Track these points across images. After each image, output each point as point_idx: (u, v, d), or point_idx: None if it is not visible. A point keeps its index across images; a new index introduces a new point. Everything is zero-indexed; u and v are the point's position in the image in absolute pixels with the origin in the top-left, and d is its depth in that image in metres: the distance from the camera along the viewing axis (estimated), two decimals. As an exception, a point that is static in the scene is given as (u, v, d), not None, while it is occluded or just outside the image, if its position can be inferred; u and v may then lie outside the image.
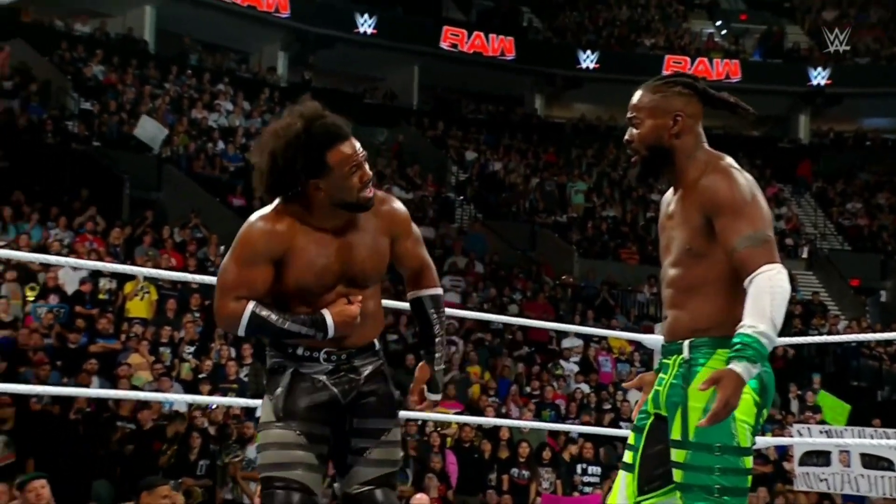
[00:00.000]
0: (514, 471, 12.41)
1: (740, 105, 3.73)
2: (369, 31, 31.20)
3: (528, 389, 15.75)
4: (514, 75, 33.14)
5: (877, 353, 22.30)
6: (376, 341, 3.83)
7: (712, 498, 3.31)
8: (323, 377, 3.64)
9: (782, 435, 12.08)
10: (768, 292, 3.24)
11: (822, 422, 14.15)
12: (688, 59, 33.14)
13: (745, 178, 3.44)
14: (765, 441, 8.24)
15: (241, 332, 3.62)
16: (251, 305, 3.54)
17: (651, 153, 3.52)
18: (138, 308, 15.14)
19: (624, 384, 4.36)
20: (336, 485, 3.75)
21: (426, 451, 12.09)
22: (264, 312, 3.54)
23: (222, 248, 16.95)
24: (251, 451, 11.61)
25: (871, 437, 7.71)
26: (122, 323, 14.60)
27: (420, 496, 8.72)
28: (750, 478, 3.41)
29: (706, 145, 3.57)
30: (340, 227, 3.65)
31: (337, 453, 3.69)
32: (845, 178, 31.90)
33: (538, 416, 13.60)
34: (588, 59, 32.37)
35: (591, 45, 33.28)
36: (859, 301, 26.68)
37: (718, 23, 36.45)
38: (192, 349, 13.84)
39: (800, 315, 23.50)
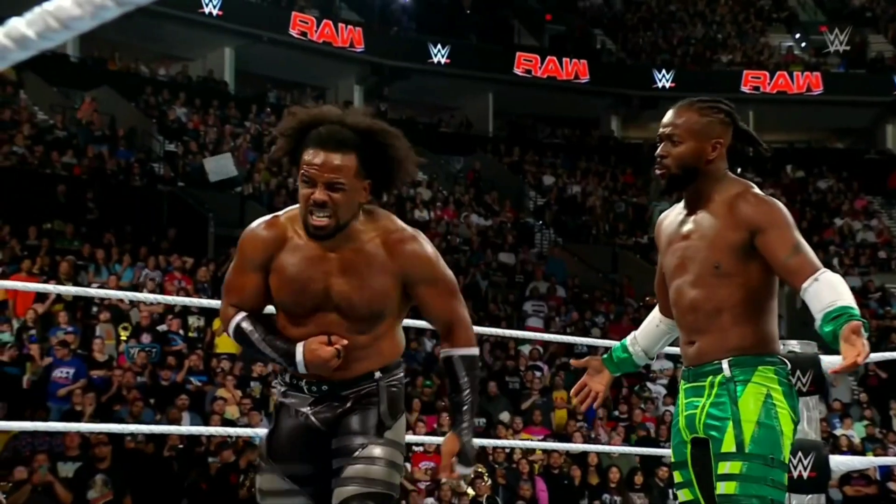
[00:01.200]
0: (606, 496, 12.37)
1: (760, 142, 3.74)
2: (443, 60, 31.35)
3: (616, 413, 15.68)
4: (589, 98, 33.08)
5: None
6: (378, 373, 3.48)
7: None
8: (306, 409, 3.42)
9: (885, 454, 11.99)
10: (844, 286, 3.32)
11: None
12: (766, 73, 33.04)
13: (781, 205, 3.50)
14: (868, 461, 8.18)
15: (231, 339, 3.52)
16: (239, 316, 3.41)
17: (682, 172, 3.54)
18: (226, 344, 14.99)
19: (573, 362, 4.28)
20: None
21: (515, 479, 12.07)
22: (248, 327, 3.38)
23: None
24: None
25: None
26: (210, 359, 14.65)
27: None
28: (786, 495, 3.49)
29: (729, 171, 3.61)
30: (336, 247, 3.35)
31: (324, 480, 3.46)
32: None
33: (627, 441, 13.50)
34: (664, 79, 32.32)
35: (666, 65, 33.23)
36: None
37: (797, 35, 35.97)
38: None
39: (894, 329, 23.23)
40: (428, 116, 31.56)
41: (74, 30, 1.06)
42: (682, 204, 3.66)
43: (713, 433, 3.41)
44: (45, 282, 13.08)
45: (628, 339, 4.00)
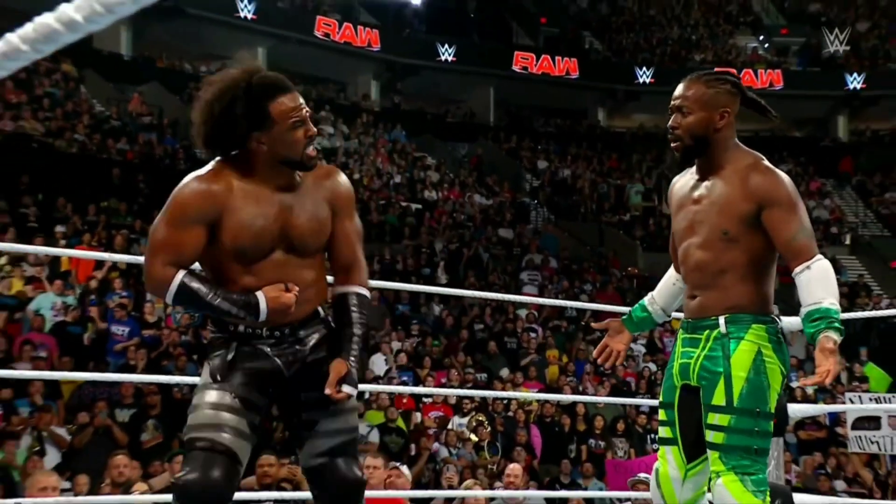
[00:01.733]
0: (592, 441, 12.37)
1: (769, 109, 3.69)
2: (449, 58, 31.35)
3: (601, 369, 15.71)
4: (579, 91, 32.99)
5: None
6: (321, 308, 3.30)
7: (749, 457, 3.30)
8: (266, 348, 3.16)
9: (834, 403, 12.00)
10: (832, 276, 3.29)
11: (869, 390, 14.16)
12: (734, 70, 32.72)
13: (789, 179, 3.45)
14: (819, 408, 8.23)
15: (168, 300, 3.15)
16: (180, 275, 3.06)
17: (695, 142, 3.46)
18: None
19: (594, 325, 4.21)
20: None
21: (513, 427, 12.08)
22: (195, 285, 3.06)
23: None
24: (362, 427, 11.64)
25: None
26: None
27: (513, 466, 8.66)
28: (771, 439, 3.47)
29: (738, 141, 3.54)
30: (282, 188, 3.16)
31: (290, 428, 3.29)
32: (883, 171, 31.46)
33: (611, 393, 13.51)
34: (644, 75, 32.25)
35: (646, 62, 33.19)
36: None
37: (761, 37, 35.97)
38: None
39: (846, 295, 23.49)
40: (436, 108, 31.53)
41: (117, 14, 1.04)
42: (693, 169, 3.59)
43: (705, 384, 3.37)
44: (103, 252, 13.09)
45: (646, 300, 3.89)
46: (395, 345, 14.65)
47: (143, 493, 7.04)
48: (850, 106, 33.62)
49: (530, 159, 29.94)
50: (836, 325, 3.19)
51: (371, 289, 3.48)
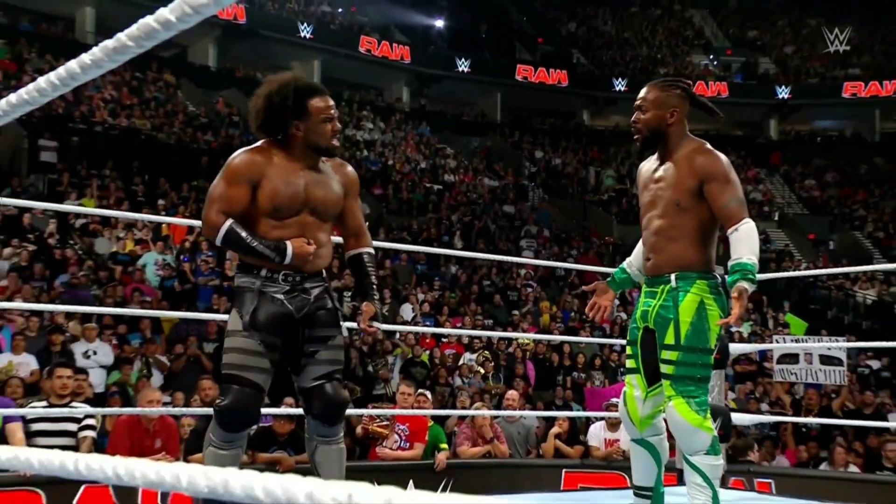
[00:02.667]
0: (574, 374, 12.36)
1: (715, 110, 3.76)
2: (465, 70, 31.18)
3: (583, 318, 15.72)
4: (568, 97, 32.78)
5: (827, 285, 22.21)
6: (324, 270, 3.36)
7: (693, 384, 3.31)
8: (281, 296, 3.17)
9: (762, 343, 12.00)
10: (754, 236, 3.30)
11: (790, 334, 14.24)
12: (690, 82, 32.82)
13: (726, 158, 3.47)
14: (751, 347, 8.26)
15: (218, 241, 3.19)
16: (229, 222, 3.12)
17: (651, 134, 3.49)
18: None
19: (584, 287, 4.22)
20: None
21: (512, 361, 12.08)
22: (239, 230, 3.12)
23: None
24: (393, 362, 11.67)
25: (826, 343, 7.83)
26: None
27: (512, 392, 8.66)
28: (712, 370, 3.49)
29: (688, 133, 3.55)
30: (309, 167, 3.24)
31: (292, 357, 3.25)
32: (803, 163, 31.57)
33: (591, 336, 13.49)
34: (620, 84, 32.06)
35: (621, 74, 33.05)
36: (814, 249, 26.36)
37: (711, 56, 35.90)
38: (348, 294, 13.84)
39: (774, 260, 23.74)
40: (454, 109, 31.51)
41: (202, 14, 1.05)
42: (655, 155, 3.59)
43: (659, 327, 3.38)
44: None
45: (625, 264, 3.86)
46: (420, 296, 14.68)
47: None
48: (780, 112, 33.54)
49: (529, 150, 29.88)
50: (750, 276, 3.22)
51: (400, 251, 3.57)
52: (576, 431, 8.46)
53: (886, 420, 9.89)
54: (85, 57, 1.19)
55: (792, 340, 8.61)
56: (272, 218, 3.18)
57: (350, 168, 3.48)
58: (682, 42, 36.73)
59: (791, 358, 7.77)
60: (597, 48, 35.95)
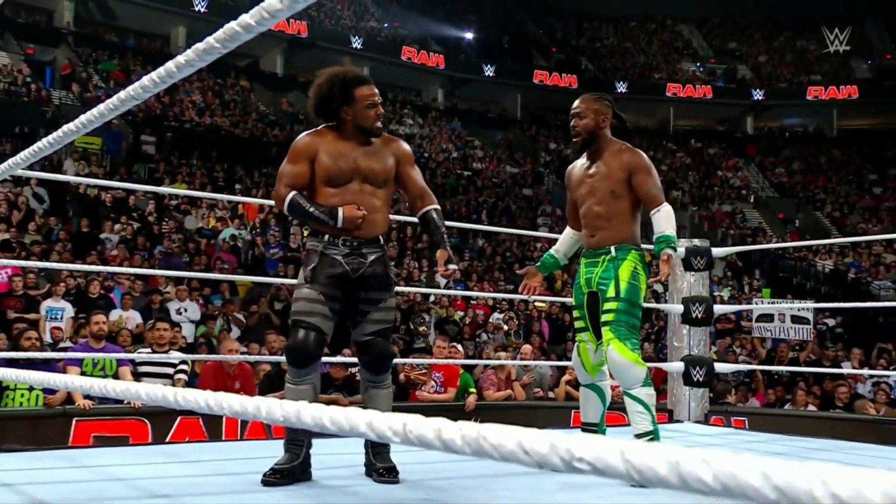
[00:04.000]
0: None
1: (625, 119, 3.78)
2: (491, 74, 30.97)
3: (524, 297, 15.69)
4: (577, 98, 32.33)
5: (793, 257, 22.09)
6: (381, 237, 3.19)
7: (628, 329, 3.34)
8: (340, 258, 3.06)
9: (739, 304, 11.95)
10: (672, 215, 3.45)
11: (762, 297, 14.21)
12: (680, 85, 32.84)
13: (645, 155, 3.55)
14: (730, 308, 8.22)
15: (285, 211, 3.14)
16: (293, 193, 3.07)
17: (588, 135, 3.53)
18: None
19: (517, 270, 4.25)
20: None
21: (530, 321, 12.04)
22: (300, 200, 3.05)
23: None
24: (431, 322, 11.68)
25: (795, 305, 7.90)
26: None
27: (527, 346, 8.66)
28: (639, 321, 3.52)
29: (612, 136, 3.61)
30: (360, 145, 3.12)
31: (351, 314, 3.14)
32: (774, 154, 31.28)
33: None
34: (621, 87, 31.72)
35: (622, 78, 32.76)
36: (783, 227, 26.24)
37: (698, 63, 35.49)
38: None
39: (750, 235, 23.61)
40: (481, 107, 31.30)
41: (277, 18, 1.03)
42: (584, 157, 3.62)
43: (602, 287, 3.42)
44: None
45: (552, 251, 3.85)
46: (452, 266, 14.67)
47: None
48: (755, 111, 33.12)
49: (544, 142, 29.70)
50: (672, 244, 3.39)
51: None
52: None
53: (840, 368, 9.96)
54: (180, 58, 1.18)
55: (767, 303, 8.67)
56: (328, 186, 3.09)
57: (401, 142, 3.30)
58: (673, 52, 36.32)
59: (767, 318, 7.80)
60: (601, 56, 35.59)
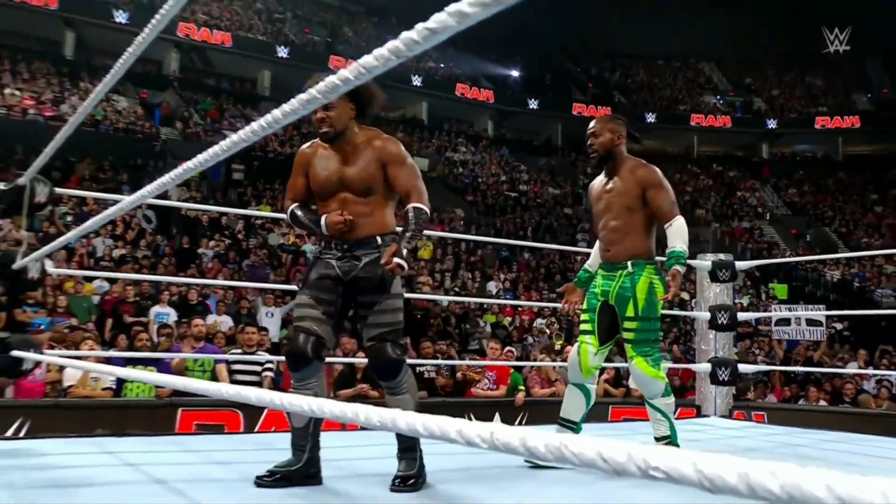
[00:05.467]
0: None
1: (638, 137, 3.54)
2: (535, 107, 30.80)
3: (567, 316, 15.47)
4: (611, 129, 32.28)
5: (805, 268, 21.80)
6: (379, 238, 2.75)
7: (649, 346, 3.19)
8: (333, 261, 2.72)
9: (757, 312, 11.71)
10: (685, 230, 3.19)
11: (777, 301, 13.97)
12: (703, 115, 32.37)
13: (659, 171, 3.33)
14: (753, 315, 8.10)
15: (290, 220, 2.85)
16: (293, 206, 2.80)
17: (604, 152, 3.36)
18: (423, 253, 14.53)
19: (557, 290, 4.00)
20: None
21: (571, 325, 11.89)
22: (298, 211, 2.77)
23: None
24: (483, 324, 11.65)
25: (810, 309, 7.93)
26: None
27: (569, 347, 8.50)
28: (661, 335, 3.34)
29: (627, 153, 3.42)
30: (341, 153, 2.73)
31: (354, 319, 2.81)
32: (787, 177, 30.78)
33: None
34: (650, 117, 31.36)
35: (651, 110, 32.35)
36: (795, 241, 25.81)
37: (718, 96, 35.00)
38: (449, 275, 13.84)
39: (766, 248, 23.37)
40: (527, 137, 31.18)
41: (386, 66, 1.00)
42: (602, 175, 3.43)
43: (620, 303, 3.22)
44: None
45: (586, 265, 3.59)
46: (502, 276, 14.62)
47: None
48: (769, 138, 32.53)
49: (583, 167, 29.32)
50: (682, 260, 3.12)
51: (487, 243, 3.22)
52: (619, 377, 8.33)
53: (844, 368, 9.89)
54: (286, 106, 1.18)
55: (785, 309, 8.59)
56: (320, 199, 2.80)
57: (388, 143, 2.79)
58: (696, 86, 35.88)
59: (785, 322, 7.73)
60: (632, 91, 35.27)
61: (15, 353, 2.97)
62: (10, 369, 3.00)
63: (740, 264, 5.65)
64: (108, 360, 5.34)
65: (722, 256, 5.56)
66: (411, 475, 2.59)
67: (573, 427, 3.35)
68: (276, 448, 3.33)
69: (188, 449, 3.19)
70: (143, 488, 2.41)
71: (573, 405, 3.36)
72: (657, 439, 3.24)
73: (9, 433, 4.91)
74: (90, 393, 5.59)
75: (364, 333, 2.74)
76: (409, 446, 2.65)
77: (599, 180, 3.48)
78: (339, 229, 2.71)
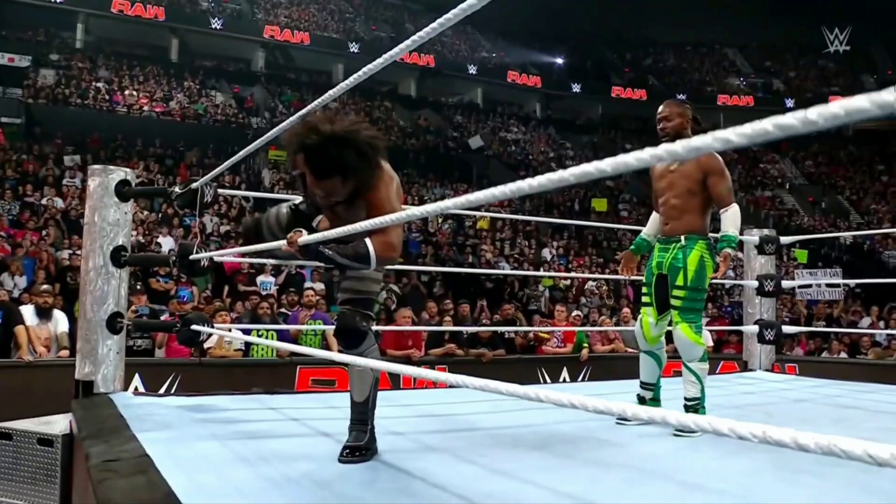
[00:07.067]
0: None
1: (701, 121, 3.34)
2: (578, 90, 30.40)
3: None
4: (647, 108, 31.30)
5: (823, 233, 21.52)
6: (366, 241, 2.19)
7: (693, 314, 3.13)
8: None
9: (780, 271, 11.55)
10: (738, 216, 3.13)
11: (798, 264, 13.61)
12: (728, 96, 31.52)
13: (721, 158, 3.19)
14: (794, 283, 8.06)
15: None
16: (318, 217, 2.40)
17: (675, 135, 3.19)
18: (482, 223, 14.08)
19: (616, 256, 3.86)
20: None
21: (618, 286, 11.83)
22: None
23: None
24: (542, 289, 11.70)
25: (829, 275, 8.05)
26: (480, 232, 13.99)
27: (625, 309, 8.54)
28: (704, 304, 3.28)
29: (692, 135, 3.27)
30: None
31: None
32: (804, 149, 30.01)
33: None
34: (681, 98, 30.27)
35: (681, 91, 31.43)
36: (812, 208, 25.31)
37: (741, 78, 33.93)
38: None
39: (786, 215, 23.09)
40: (571, 117, 30.69)
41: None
42: None
43: (672, 273, 3.15)
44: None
45: (643, 233, 3.48)
46: (555, 243, 14.62)
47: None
48: (787, 116, 31.79)
49: (621, 143, 28.92)
50: (733, 244, 3.07)
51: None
52: (668, 334, 8.35)
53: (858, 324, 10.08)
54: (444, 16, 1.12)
55: (808, 274, 8.64)
56: (324, 215, 2.40)
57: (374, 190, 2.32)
58: (721, 70, 34.96)
59: (807, 285, 7.79)
60: (664, 74, 34.40)
61: (194, 326, 3.20)
62: (192, 339, 3.23)
63: (784, 239, 5.64)
64: (239, 326, 5.59)
65: (766, 232, 5.55)
66: (360, 446, 2.24)
67: (652, 388, 3.40)
68: (399, 404, 3.50)
69: (331, 405, 3.31)
70: (315, 440, 2.55)
71: (648, 370, 3.40)
72: (687, 399, 3.19)
73: (162, 389, 5.20)
74: (225, 353, 5.89)
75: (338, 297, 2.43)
76: (361, 419, 2.30)
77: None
78: (293, 244, 2.21)
